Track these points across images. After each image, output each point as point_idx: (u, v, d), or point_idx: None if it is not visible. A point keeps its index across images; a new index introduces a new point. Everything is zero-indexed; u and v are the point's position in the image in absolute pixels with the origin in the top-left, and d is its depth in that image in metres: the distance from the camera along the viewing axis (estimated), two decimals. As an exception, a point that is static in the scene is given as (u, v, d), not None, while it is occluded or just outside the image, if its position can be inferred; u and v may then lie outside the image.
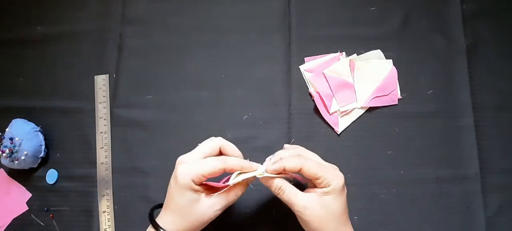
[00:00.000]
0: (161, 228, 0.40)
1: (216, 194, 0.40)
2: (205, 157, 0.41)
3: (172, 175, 0.41)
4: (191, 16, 0.62)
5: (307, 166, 0.40)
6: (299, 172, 0.40)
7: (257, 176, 0.41)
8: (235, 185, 0.40)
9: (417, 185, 0.55)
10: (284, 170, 0.40)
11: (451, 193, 0.54)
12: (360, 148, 0.56)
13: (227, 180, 0.41)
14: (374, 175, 0.55)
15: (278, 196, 0.41)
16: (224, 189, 0.40)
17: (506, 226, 0.53)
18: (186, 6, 0.63)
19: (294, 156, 0.41)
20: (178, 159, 0.42)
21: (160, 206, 0.44)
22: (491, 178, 0.55)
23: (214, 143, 0.42)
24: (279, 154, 0.44)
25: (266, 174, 0.40)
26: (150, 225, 0.42)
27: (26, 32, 0.64)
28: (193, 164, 0.40)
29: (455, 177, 0.55)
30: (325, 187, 0.40)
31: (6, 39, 0.64)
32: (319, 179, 0.40)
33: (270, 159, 0.44)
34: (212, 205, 0.40)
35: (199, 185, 0.40)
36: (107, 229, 0.55)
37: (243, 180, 0.40)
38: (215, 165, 0.39)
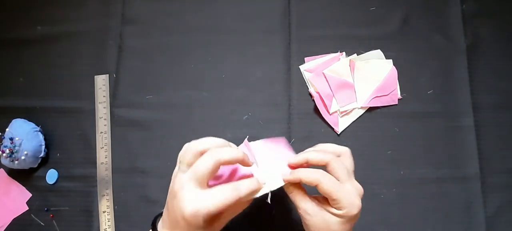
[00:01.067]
0: None
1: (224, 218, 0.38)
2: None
3: (177, 202, 0.36)
4: (191, 16, 0.62)
5: (324, 183, 0.37)
6: (315, 186, 0.38)
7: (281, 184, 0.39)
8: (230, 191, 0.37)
9: (417, 185, 0.55)
10: (307, 162, 0.39)
11: (451, 193, 0.54)
12: (360, 148, 0.56)
13: (230, 176, 0.40)
14: (374, 175, 0.55)
15: (290, 195, 0.40)
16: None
17: (506, 226, 0.53)
18: (186, 6, 0.63)
19: (313, 171, 0.38)
20: (176, 183, 0.37)
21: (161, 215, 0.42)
22: (491, 178, 0.55)
23: (213, 165, 0.36)
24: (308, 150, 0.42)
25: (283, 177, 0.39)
26: None
27: (26, 32, 0.64)
28: (202, 199, 0.35)
29: (455, 177, 0.55)
30: (336, 209, 0.37)
31: (6, 39, 0.64)
32: (334, 200, 0.37)
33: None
34: (220, 224, 0.39)
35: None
36: (107, 229, 0.55)
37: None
38: (227, 197, 0.35)
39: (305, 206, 0.39)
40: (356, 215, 0.38)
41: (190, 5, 0.63)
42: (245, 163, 0.38)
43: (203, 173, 0.35)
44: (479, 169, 0.55)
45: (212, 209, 0.34)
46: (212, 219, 0.37)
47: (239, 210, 0.40)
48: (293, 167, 0.40)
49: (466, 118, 0.57)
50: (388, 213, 0.54)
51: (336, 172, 0.38)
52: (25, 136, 0.55)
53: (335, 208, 0.38)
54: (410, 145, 0.56)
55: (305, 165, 0.39)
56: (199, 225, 0.35)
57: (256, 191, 0.37)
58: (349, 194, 0.37)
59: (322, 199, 0.40)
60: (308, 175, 0.37)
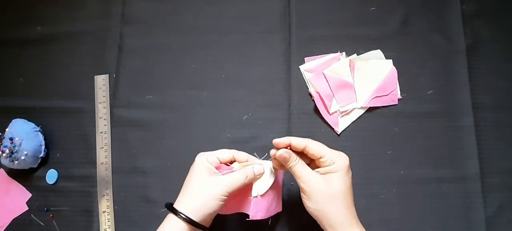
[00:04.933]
0: (180, 212, 0.42)
1: (225, 171, 0.45)
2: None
3: (207, 186, 0.44)
4: (191, 16, 0.62)
5: (312, 145, 0.43)
6: (304, 150, 0.43)
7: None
8: (241, 170, 0.45)
9: (417, 185, 0.55)
10: (290, 145, 0.43)
11: (451, 193, 0.54)
12: (360, 148, 0.56)
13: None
14: (374, 175, 0.55)
15: (290, 168, 0.44)
16: (231, 171, 0.45)
17: (506, 226, 0.53)
18: (186, 6, 0.63)
19: (299, 138, 0.44)
20: (198, 162, 0.46)
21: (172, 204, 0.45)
22: (491, 178, 0.55)
23: (228, 151, 0.47)
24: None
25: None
26: (168, 215, 0.43)
27: (26, 32, 0.64)
28: (208, 152, 0.46)
29: (455, 177, 0.55)
30: (329, 165, 0.42)
31: (6, 39, 0.64)
32: (323, 157, 0.42)
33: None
34: (222, 182, 0.43)
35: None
36: (107, 229, 0.55)
37: (249, 171, 0.45)
38: (227, 152, 0.47)
39: (308, 173, 0.43)
40: (349, 169, 0.43)
41: (190, 5, 0.63)
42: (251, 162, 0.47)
43: (218, 154, 0.46)
44: (479, 169, 0.55)
45: (214, 153, 0.46)
46: (215, 171, 0.45)
47: (238, 181, 0.44)
48: (278, 145, 0.44)
49: (466, 118, 0.57)
50: (388, 213, 0.54)
51: (316, 147, 0.43)
52: (25, 136, 0.55)
53: (327, 165, 0.42)
54: (410, 145, 0.56)
55: (289, 146, 0.44)
56: (202, 164, 0.44)
57: (247, 160, 0.47)
58: (334, 151, 0.43)
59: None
60: (297, 140, 0.43)
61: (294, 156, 0.43)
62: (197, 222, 0.42)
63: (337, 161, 0.42)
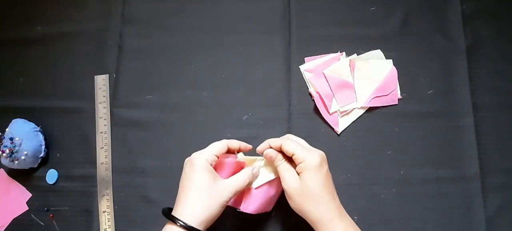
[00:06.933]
0: (179, 219, 0.41)
1: (230, 178, 0.45)
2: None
3: (187, 166, 0.45)
4: (191, 16, 0.63)
5: (285, 143, 0.44)
6: (280, 149, 0.45)
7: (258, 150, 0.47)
8: (243, 173, 0.46)
9: (417, 185, 0.55)
10: (269, 146, 0.46)
11: (451, 193, 0.54)
12: (360, 148, 0.56)
13: (233, 172, 0.47)
14: (374, 175, 0.55)
15: (277, 168, 0.45)
16: (235, 160, 0.47)
17: (506, 226, 0.53)
18: (186, 6, 0.63)
19: (278, 138, 0.46)
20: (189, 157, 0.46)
21: (170, 210, 0.44)
22: (491, 178, 0.55)
23: (221, 143, 0.47)
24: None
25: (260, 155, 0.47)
26: (167, 223, 0.42)
27: (26, 32, 0.64)
28: (203, 151, 0.45)
29: (455, 177, 0.55)
30: (300, 163, 0.43)
31: (6, 39, 0.64)
32: (295, 155, 0.43)
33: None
34: (226, 187, 0.43)
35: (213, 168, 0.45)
36: (107, 229, 0.55)
37: (249, 166, 0.46)
38: (220, 144, 0.46)
39: (289, 174, 0.44)
40: (321, 166, 0.43)
41: (190, 5, 0.63)
42: (245, 149, 0.48)
43: (214, 150, 0.45)
44: (479, 169, 0.55)
45: (210, 152, 0.45)
46: (216, 174, 0.45)
47: (241, 182, 0.45)
48: (261, 151, 0.47)
49: (466, 118, 0.57)
50: (388, 213, 0.54)
51: (289, 146, 0.44)
52: (25, 136, 0.55)
53: (298, 163, 0.43)
54: (410, 145, 0.56)
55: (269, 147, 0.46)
56: (203, 166, 0.43)
57: (240, 147, 0.48)
58: (308, 149, 0.44)
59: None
60: (274, 141, 0.45)
61: (280, 156, 0.45)
62: (200, 230, 0.41)
63: (306, 159, 0.42)
